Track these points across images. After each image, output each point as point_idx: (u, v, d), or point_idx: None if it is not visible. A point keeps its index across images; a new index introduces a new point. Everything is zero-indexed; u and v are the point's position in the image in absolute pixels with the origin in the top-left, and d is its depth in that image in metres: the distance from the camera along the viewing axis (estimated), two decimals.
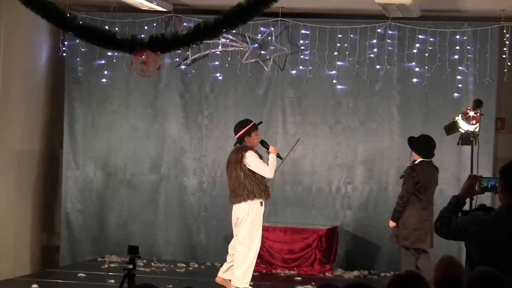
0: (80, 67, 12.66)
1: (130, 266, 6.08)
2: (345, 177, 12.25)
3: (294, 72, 12.27)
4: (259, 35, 12.27)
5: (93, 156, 12.72)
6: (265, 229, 10.15)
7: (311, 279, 11.03)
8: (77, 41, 12.09)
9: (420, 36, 11.87)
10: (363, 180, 12.21)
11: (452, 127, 10.07)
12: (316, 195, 12.30)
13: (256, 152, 9.51)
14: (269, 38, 12.25)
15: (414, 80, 11.93)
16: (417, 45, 11.89)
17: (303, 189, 12.35)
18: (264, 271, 11.57)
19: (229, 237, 10.24)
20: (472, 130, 9.86)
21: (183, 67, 12.53)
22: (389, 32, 11.97)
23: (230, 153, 9.70)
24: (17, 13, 11.10)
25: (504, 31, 11.62)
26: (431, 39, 11.84)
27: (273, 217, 12.14)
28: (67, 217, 12.68)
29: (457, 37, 11.80)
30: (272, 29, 12.22)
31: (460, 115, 9.97)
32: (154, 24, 12.42)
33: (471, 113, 9.85)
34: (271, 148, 9.73)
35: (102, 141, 12.73)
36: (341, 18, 12.20)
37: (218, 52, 12.42)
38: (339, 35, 12.05)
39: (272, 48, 12.26)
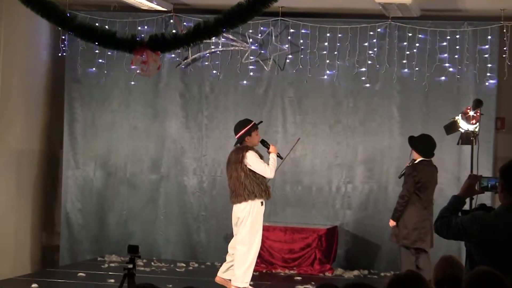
0: (80, 67, 12.66)
1: (130, 266, 6.07)
2: (345, 177, 12.25)
3: (294, 71, 12.27)
4: (259, 35, 12.27)
5: (93, 156, 12.72)
6: (265, 229, 10.15)
7: (311, 278, 11.02)
8: (78, 40, 12.09)
9: (420, 36, 11.87)
10: (363, 179, 12.21)
11: (452, 127, 10.07)
12: (316, 194, 12.30)
13: (256, 152, 9.51)
14: (269, 37, 12.26)
15: (414, 80, 11.93)
16: (417, 45, 11.89)
17: (303, 188, 12.35)
18: (264, 271, 11.57)
19: (229, 236, 10.24)
20: (472, 129, 9.86)
21: (183, 66, 12.54)
22: (389, 31, 11.97)
23: (230, 153, 9.69)
24: (17, 13, 11.11)
25: (504, 30, 11.62)
26: (431, 39, 11.84)
27: (273, 217, 12.14)
28: (67, 216, 12.68)
29: (457, 36, 11.80)
30: (272, 28, 12.22)
31: (460, 114, 9.97)
32: (154, 24, 12.42)
33: (471, 113, 9.85)
34: (271, 148, 9.72)
35: (102, 141, 12.73)
36: (341, 17, 12.20)
37: (218, 52, 12.42)
38: (339, 35, 12.05)
39: (272, 47, 12.26)
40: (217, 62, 12.42)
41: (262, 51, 12.32)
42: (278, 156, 9.68)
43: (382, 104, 12.15)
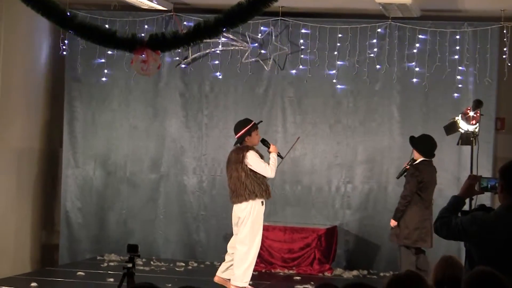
0: (80, 66, 12.66)
1: (130, 265, 6.08)
2: (345, 177, 12.25)
3: (294, 71, 12.27)
4: (259, 34, 12.27)
5: (93, 155, 12.72)
6: (264, 229, 10.15)
7: (310, 278, 11.02)
8: (78, 39, 12.08)
9: (420, 36, 11.87)
10: (363, 179, 12.21)
11: (452, 127, 10.07)
12: (316, 194, 12.30)
13: (257, 151, 9.51)
14: (269, 37, 12.26)
15: (414, 80, 11.93)
16: (417, 45, 11.89)
17: (302, 188, 12.35)
18: (263, 271, 11.57)
19: (228, 236, 10.24)
20: (472, 130, 9.86)
21: (183, 66, 12.54)
22: (389, 32, 11.97)
23: (230, 152, 9.69)
24: (17, 12, 11.11)
25: (504, 31, 11.62)
26: (431, 39, 11.84)
27: (272, 217, 12.14)
28: (67, 215, 12.67)
29: (457, 37, 11.80)
30: (272, 28, 12.22)
31: (460, 115, 9.98)
32: (155, 23, 12.42)
33: (471, 113, 9.86)
34: (272, 147, 9.72)
35: (102, 140, 12.73)
36: (341, 17, 12.19)
37: (218, 51, 12.42)
38: (339, 35, 12.05)
39: (272, 47, 12.26)
40: (217, 62, 12.42)
41: (262, 51, 12.32)
42: (279, 155, 9.69)
43: (382, 104, 12.15)
